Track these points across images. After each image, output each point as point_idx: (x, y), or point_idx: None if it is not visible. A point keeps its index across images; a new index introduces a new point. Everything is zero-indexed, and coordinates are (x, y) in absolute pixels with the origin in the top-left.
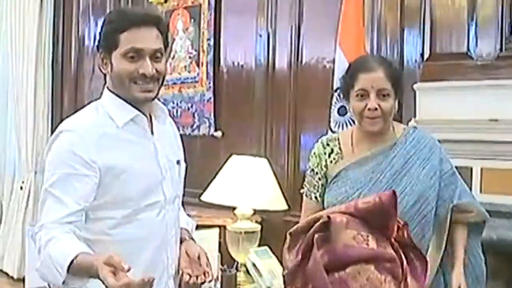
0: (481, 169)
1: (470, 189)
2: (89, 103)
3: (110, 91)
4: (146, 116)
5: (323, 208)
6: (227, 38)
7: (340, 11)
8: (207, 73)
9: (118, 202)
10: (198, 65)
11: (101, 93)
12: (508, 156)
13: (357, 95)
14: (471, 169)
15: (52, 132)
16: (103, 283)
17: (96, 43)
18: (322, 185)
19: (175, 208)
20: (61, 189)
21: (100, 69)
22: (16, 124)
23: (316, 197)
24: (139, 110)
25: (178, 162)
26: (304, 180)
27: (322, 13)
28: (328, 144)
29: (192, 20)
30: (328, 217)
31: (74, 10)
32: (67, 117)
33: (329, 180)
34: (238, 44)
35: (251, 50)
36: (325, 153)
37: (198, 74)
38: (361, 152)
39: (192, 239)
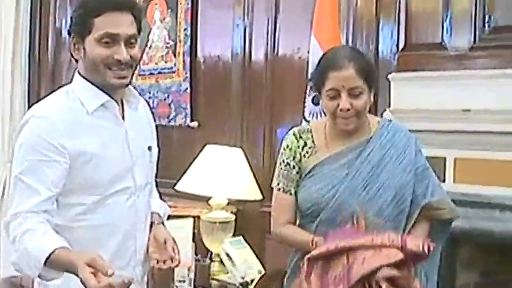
0: (455, 159)
1: (444, 179)
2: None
3: (82, 76)
4: (117, 102)
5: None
6: (204, 29)
7: (316, 1)
8: (184, 63)
9: (88, 188)
10: (175, 55)
11: (72, 78)
12: (481, 146)
13: (328, 95)
14: (445, 159)
15: None
16: (82, 282)
17: (68, 27)
18: (300, 177)
19: (145, 194)
20: (33, 176)
21: (71, 54)
22: None
23: (295, 192)
24: (110, 96)
25: (149, 148)
26: (276, 172)
27: (299, 4)
28: (301, 137)
29: (169, 10)
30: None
31: (51, 0)
32: None
33: (303, 175)
34: (215, 35)
35: (228, 41)
36: (298, 146)
37: (175, 64)
38: (336, 147)
39: (163, 223)
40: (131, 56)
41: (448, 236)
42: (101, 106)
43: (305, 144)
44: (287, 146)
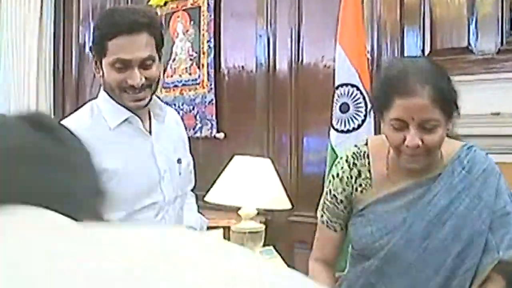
0: None
1: None
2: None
3: (106, 92)
4: (139, 116)
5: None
6: (227, 40)
7: (339, 9)
8: (208, 75)
9: (113, 205)
10: (198, 67)
11: (97, 93)
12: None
13: (392, 125)
14: None
15: None
16: None
17: (88, 47)
18: (348, 213)
19: (175, 207)
20: None
21: (94, 71)
22: None
23: (341, 228)
24: (133, 112)
25: (179, 160)
26: (321, 200)
27: (322, 13)
28: (355, 164)
29: (192, 22)
30: None
31: (74, 17)
32: None
33: (354, 211)
34: (238, 46)
35: (251, 52)
36: (351, 177)
37: (199, 76)
38: (398, 182)
39: None
40: (146, 78)
41: None
42: (125, 121)
43: (359, 175)
44: (337, 175)
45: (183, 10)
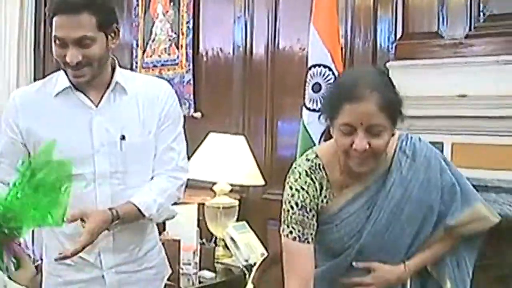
0: (452, 144)
1: None
2: None
3: None
4: (84, 89)
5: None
6: (206, 22)
7: None
8: (187, 55)
9: None
10: (177, 48)
11: None
12: (477, 131)
13: (341, 130)
14: (442, 144)
15: None
16: None
17: None
18: (316, 222)
19: (113, 183)
20: None
21: None
22: None
23: (312, 239)
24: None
25: (122, 137)
26: (286, 218)
27: None
28: (315, 177)
29: (172, 3)
30: None
31: None
32: None
33: (320, 220)
34: (216, 28)
35: (229, 33)
36: (316, 189)
37: (178, 57)
38: (353, 186)
39: (118, 215)
40: (84, 56)
41: None
42: (67, 91)
43: (321, 187)
44: (302, 188)
45: None
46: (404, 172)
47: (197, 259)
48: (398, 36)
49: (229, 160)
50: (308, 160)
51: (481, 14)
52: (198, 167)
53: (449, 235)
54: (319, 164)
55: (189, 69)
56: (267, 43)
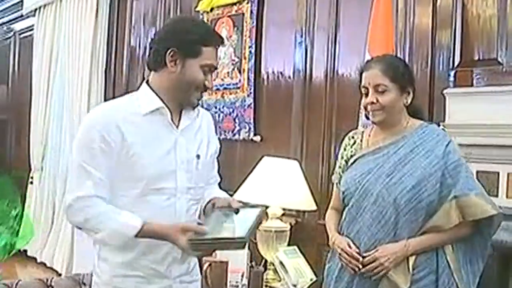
0: (508, 174)
1: (497, 193)
2: None
3: (148, 85)
4: (171, 111)
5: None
6: (268, 46)
7: (370, 17)
8: (248, 79)
9: (130, 181)
10: (240, 72)
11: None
12: None
13: (361, 92)
14: (498, 174)
15: None
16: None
17: (163, 40)
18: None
19: (188, 198)
20: (91, 162)
21: (148, 64)
22: (70, 130)
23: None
24: (165, 104)
25: (198, 156)
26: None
27: (358, 22)
28: (353, 137)
29: (235, 28)
30: None
31: (127, 21)
32: None
33: (347, 166)
34: (277, 52)
35: (290, 58)
36: (350, 144)
37: (240, 81)
38: (375, 143)
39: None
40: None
41: (499, 251)
42: (156, 111)
43: (354, 143)
44: (344, 145)
45: (228, 16)
46: (415, 140)
47: (245, 282)
48: (457, 62)
49: (282, 184)
50: (357, 130)
51: None
52: (251, 190)
53: (456, 224)
54: (361, 131)
55: (250, 93)
56: (326, 67)
